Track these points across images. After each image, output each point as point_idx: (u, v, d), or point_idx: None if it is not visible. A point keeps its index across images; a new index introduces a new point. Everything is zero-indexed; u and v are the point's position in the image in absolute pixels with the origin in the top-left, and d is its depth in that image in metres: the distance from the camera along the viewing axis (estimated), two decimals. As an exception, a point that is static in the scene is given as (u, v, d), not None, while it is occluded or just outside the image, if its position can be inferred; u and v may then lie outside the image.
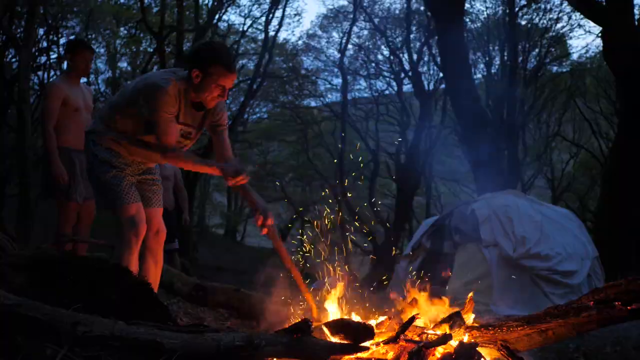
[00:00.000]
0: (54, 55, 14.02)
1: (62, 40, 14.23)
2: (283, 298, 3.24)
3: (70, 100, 4.22)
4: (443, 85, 17.30)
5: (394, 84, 20.07)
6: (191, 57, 2.73)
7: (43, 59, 13.65)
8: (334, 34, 20.63)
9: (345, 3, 24.58)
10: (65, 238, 4.15)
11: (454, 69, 10.19)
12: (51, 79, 14.40)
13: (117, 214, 2.86)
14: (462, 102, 10.25)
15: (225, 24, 17.79)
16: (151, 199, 3.08)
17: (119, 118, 2.84)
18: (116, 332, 1.80)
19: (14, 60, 12.30)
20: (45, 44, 13.50)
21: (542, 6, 16.68)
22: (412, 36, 18.60)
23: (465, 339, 2.27)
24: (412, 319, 2.22)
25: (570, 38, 33.52)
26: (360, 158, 19.00)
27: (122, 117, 2.84)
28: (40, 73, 13.82)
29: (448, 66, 10.66)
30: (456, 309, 2.46)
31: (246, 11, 17.09)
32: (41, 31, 12.78)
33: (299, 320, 2.03)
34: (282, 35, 31.19)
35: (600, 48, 10.30)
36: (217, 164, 2.81)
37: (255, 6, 16.97)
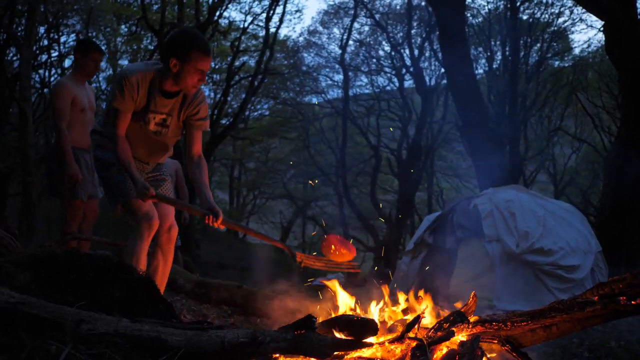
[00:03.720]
0: (54, 54, 14.02)
1: (63, 39, 14.23)
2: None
3: (78, 100, 4.25)
4: (444, 81, 17.28)
5: (395, 80, 20.06)
6: (167, 47, 2.73)
7: (44, 57, 13.65)
8: (335, 30, 20.63)
9: (346, -1, 24.55)
10: (70, 236, 4.16)
11: (453, 60, 10.16)
12: (53, 77, 14.42)
13: (129, 210, 2.87)
14: (462, 96, 10.24)
15: (226, 21, 17.77)
16: None
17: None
18: (120, 329, 1.81)
19: (14, 58, 12.30)
20: (46, 42, 13.49)
21: (544, 0, 16.64)
22: (413, 32, 18.58)
23: (469, 335, 2.27)
24: (418, 318, 2.21)
25: (572, 32, 33.47)
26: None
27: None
28: (41, 71, 13.83)
29: (447, 56, 10.62)
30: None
31: (247, 8, 17.10)
32: (42, 29, 12.78)
33: (303, 316, 2.03)
34: (283, 31, 31.22)
35: (602, 42, 10.26)
36: (138, 176, 2.74)
37: (256, 3, 16.95)
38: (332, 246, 2.79)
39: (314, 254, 2.92)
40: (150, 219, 2.87)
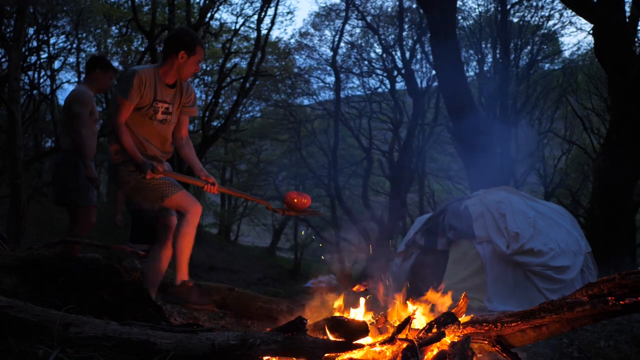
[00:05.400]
0: (44, 55, 13.91)
1: (53, 40, 14.12)
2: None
3: (94, 110, 4.49)
4: (436, 83, 17.35)
5: (387, 81, 20.11)
6: (177, 42, 3.24)
7: (33, 58, 13.54)
8: (327, 32, 20.70)
9: (338, 1, 24.65)
10: (60, 238, 4.15)
11: (444, 61, 10.18)
12: (42, 79, 14.31)
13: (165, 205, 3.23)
14: (453, 97, 10.28)
15: (218, 23, 17.75)
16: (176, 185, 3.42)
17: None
18: (109, 332, 1.79)
19: (3, 60, 12.18)
20: (35, 43, 13.38)
21: (534, 3, 16.78)
22: (404, 34, 18.63)
23: (460, 336, 2.27)
24: (408, 319, 2.22)
25: (562, 35, 33.82)
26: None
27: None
28: (30, 73, 13.70)
29: (438, 57, 10.63)
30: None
31: (238, 9, 17.04)
32: (31, 31, 12.67)
33: (293, 318, 2.02)
34: (275, 33, 31.13)
35: (592, 45, 10.35)
36: (141, 157, 3.15)
37: (248, 4, 16.92)
38: (295, 199, 3.31)
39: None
40: (193, 203, 3.31)
